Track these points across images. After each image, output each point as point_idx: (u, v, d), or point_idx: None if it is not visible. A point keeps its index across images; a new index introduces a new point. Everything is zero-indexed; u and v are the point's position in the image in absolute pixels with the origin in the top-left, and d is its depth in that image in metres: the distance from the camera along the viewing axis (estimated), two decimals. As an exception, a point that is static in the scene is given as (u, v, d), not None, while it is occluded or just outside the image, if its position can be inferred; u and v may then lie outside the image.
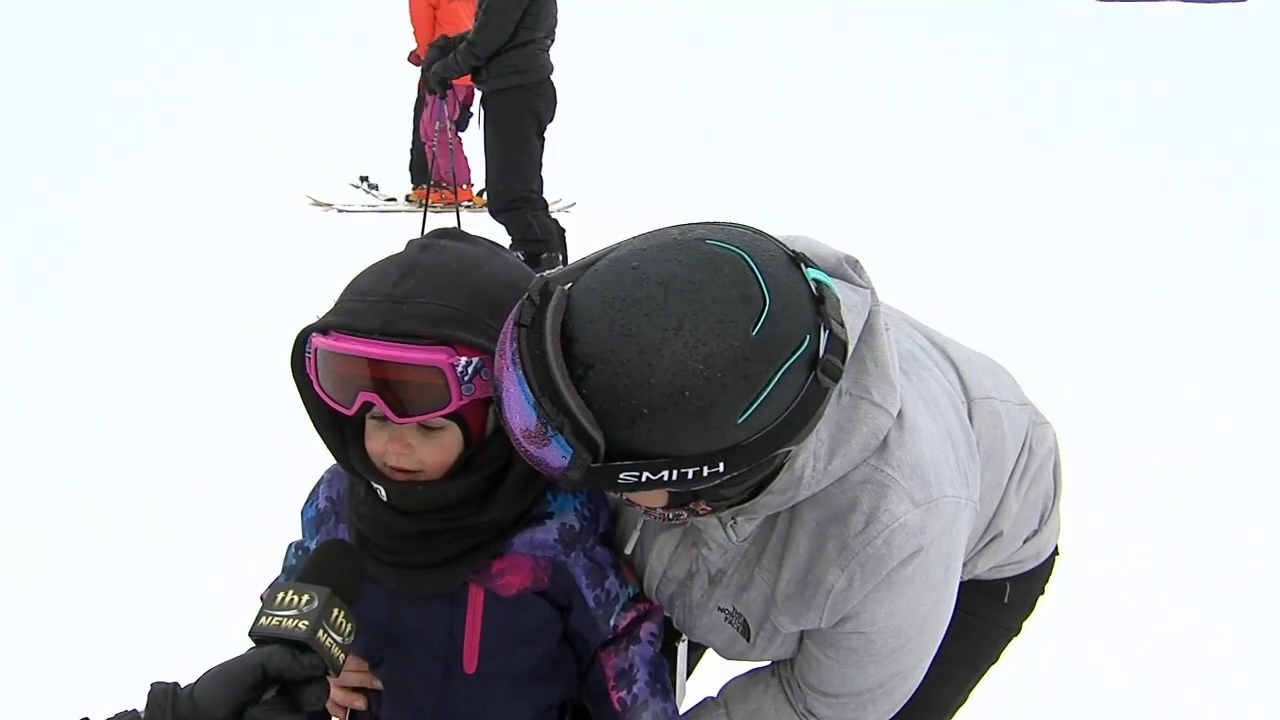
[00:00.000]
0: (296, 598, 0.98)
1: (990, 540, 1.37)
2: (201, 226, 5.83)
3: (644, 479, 0.94)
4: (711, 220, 1.03)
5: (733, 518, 1.15)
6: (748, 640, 1.25)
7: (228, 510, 3.02)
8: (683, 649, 1.38)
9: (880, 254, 5.07)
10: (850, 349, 1.02)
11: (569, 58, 5.14)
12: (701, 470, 0.94)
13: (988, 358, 1.46)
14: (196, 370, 3.99)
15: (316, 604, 0.97)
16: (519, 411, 0.95)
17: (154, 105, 8.84)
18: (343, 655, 0.99)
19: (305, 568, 1.06)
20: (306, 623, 0.96)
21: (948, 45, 13.24)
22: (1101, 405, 3.89)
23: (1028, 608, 1.55)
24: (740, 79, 10.76)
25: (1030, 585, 1.53)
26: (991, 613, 1.50)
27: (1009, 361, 1.50)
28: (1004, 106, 9.97)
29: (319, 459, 1.26)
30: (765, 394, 0.93)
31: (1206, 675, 2.59)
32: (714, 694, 1.37)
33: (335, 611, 0.98)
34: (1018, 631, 1.55)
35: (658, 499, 1.07)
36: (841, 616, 1.16)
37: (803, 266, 0.99)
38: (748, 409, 0.93)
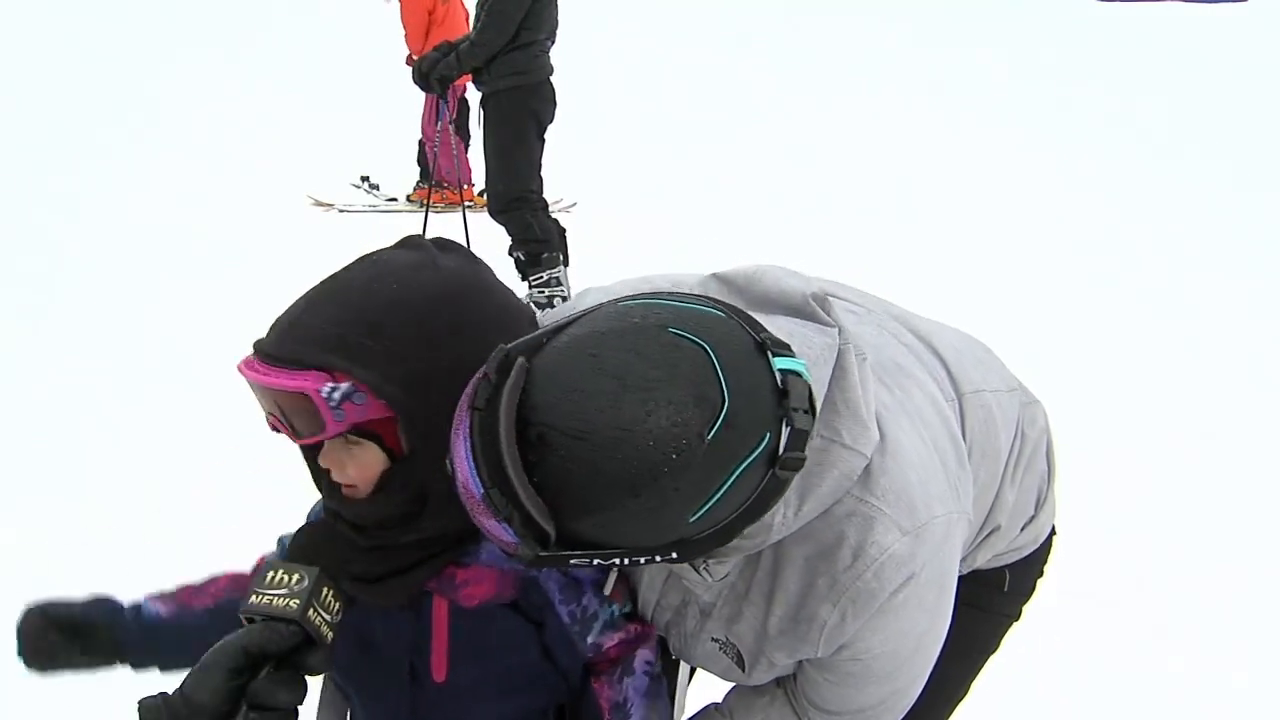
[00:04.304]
0: (287, 576, 0.99)
1: (989, 534, 1.37)
2: (201, 227, 5.82)
3: (594, 564, 0.96)
4: (680, 296, 1.01)
5: (704, 561, 1.13)
6: (743, 670, 1.24)
7: (228, 511, 3.02)
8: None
9: (880, 253, 5.11)
10: (819, 406, 1.02)
11: (570, 58, 5.13)
12: (654, 558, 0.95)
13: (973, 341, 1.44)
14: (196, 370, 3.98)
15: (307, 583, 0.98)
16: (471, 496, 0.95)
17: (154, 105, 8.83)
18: (330, 633, 1.00)
19: (294, 548, 1.07)
20: (297, 601, 0.97)
21: (948, 45, 13.24)
22: (1101, 405, 3.90)
23: (1027, 591, 1.54)
24: (740, 79, 10.75)
25: (1029, 570, 1.52)
26: (992, 602, 1.49)
27: (1009, 361, 1.49)
28: (1004, 106, 9.97)
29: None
30: (718, 495, 0.92)
31: (1205, 666, 2.60)
32: (718, 701, 1.35)
33: (325, 590, 1.00)
34: (1018, 617, 1.55)
35: None
36: (838, 646, 1.16)
37: (770, 355, 0.97)
38: (700, 509, 0.93)
